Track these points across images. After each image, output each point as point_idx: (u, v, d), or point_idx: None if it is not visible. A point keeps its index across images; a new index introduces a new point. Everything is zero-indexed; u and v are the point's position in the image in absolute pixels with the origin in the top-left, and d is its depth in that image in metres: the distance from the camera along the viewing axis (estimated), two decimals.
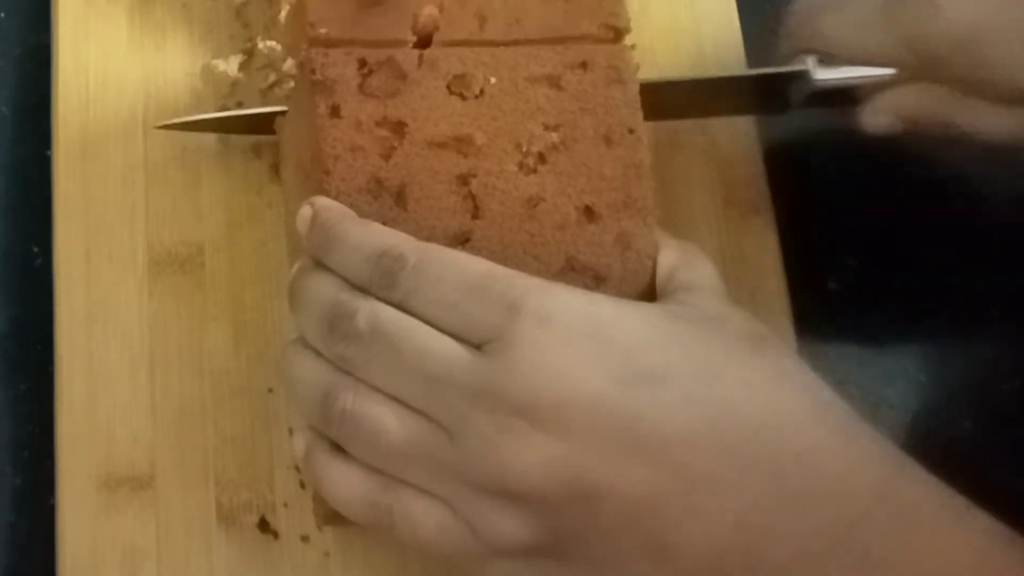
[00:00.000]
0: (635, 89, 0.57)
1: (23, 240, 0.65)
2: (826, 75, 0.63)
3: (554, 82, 0.57)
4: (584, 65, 0.57)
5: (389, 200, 0.53)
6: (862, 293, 0.69)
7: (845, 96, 0.63)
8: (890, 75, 0.62)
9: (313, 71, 0.55)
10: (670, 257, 0.55)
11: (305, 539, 0.59)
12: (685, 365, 0.48)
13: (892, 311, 0.69)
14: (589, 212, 0.55)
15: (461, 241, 0.53)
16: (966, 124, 0.61)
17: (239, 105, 0.65)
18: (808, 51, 0.63)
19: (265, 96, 0.65)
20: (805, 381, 0.50)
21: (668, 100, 0.65)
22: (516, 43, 0.57)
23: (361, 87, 0.55)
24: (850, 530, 0.47)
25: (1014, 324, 0.68)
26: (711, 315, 0.51)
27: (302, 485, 0.60)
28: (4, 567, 0.60)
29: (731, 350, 0.49)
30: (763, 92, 0.66)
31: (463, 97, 0.56)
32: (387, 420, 0.49)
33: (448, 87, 0.56)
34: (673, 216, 0.65)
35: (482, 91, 0.56)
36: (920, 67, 0.60)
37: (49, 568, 0.58)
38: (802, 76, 0.63)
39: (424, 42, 0.57)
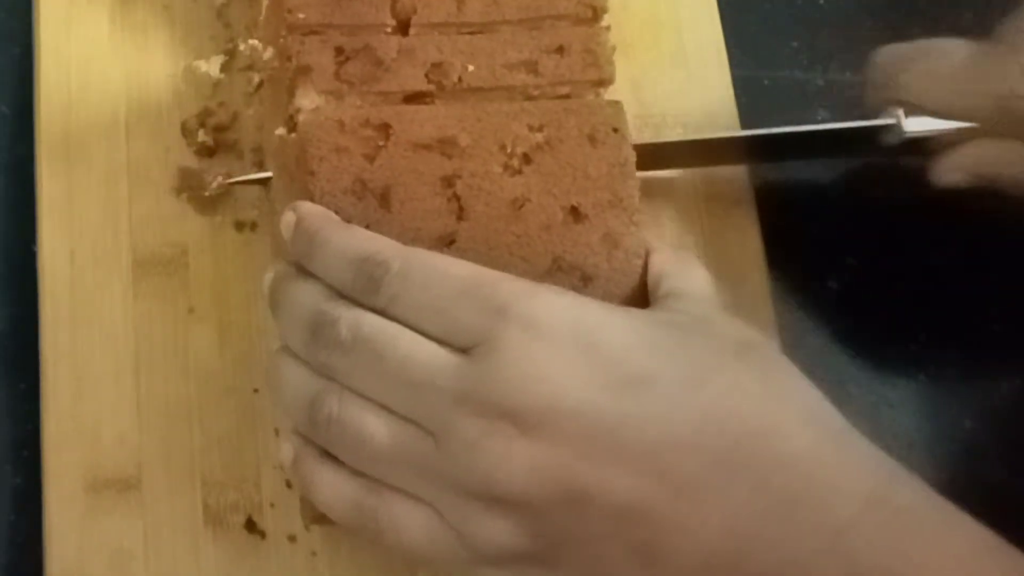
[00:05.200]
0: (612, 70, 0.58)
1: (22, 239, 0.65)
2: (916, 127, 0.63)
3: (531, 68, 0.57)
4: (560, 50, 0.58)
5: (374, 202, 0.53)
6: (862, 293, 0.69)
7: (934, 145, 0.64)
8: (973, 128, 0.62)
9: (290, 58, 0.55)
10: (661, 262, 0.55)
11: (292, 539, 0.59)
12: (671, 371, 0.48)
13: (892, 311, 0.69)
14: (575, 212, 0.55)
15: (446, 243, 0.53)
16: None
17: (221, 105, 0.65)
18: (894, 103, 0.63)
19: (249, 100, 0.65)
20: (794, 387, 0.50)
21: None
22: (493, 24, 0.58)
23: (337, 74, 0.56)
24: (837, 538, 0.46)
25: (1014, 324, 0.68)
26: (699, 321, 0.51)
27: (288, 485, 0.60)
28: (3, 566, 0.60)
29: (718, 356, 0.49)
30: (849, 142, 0.66)
31: (442, 86, 0.56)
32: (372, 426, 0.49)
33: (426, 76, 0.56)
34: (655, 212, 0.65)
35: (460, 79, 0.57)
36: (1008, 123, 0.61)
37: None
38: (891, 128, 0.63)
39: (403, 26, 0.57)
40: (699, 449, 0.47)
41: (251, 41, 0.64)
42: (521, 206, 0.54)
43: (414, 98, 0.57)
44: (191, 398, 0.61)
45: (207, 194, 0.64)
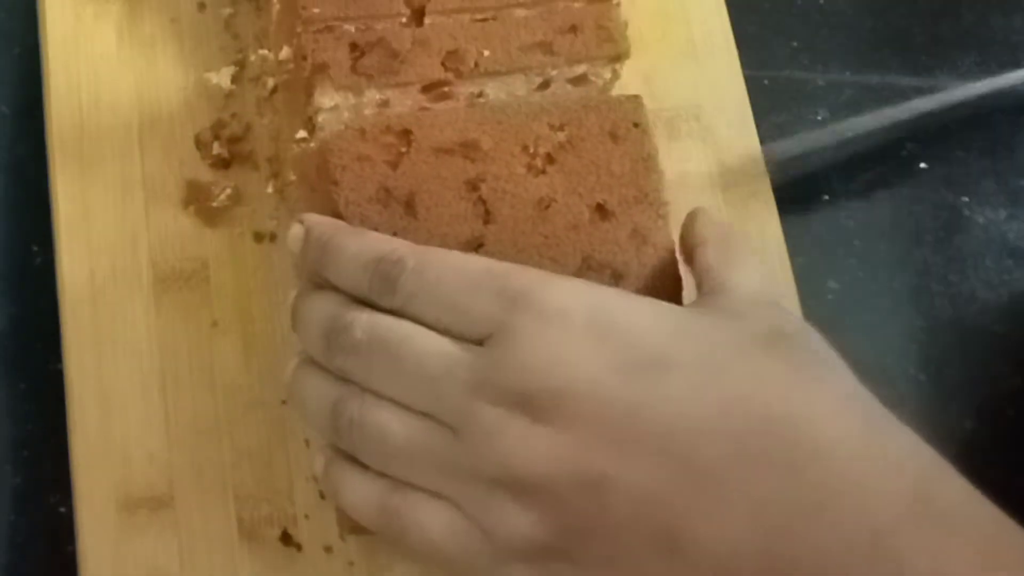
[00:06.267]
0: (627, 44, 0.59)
1: (23, 239, 0.65)
2: None
3: (546, 48, 0.58)
4: (573, 29, 0.58)
5: (399, 209, 0.53)
6: (862, 293, 0.69)
7: None
8: None
9: (305, 57, 0.56)
10: (706, 257, 0.54)
11: (328, 550, 0.59)
12: (691, 355, 0.48)
13: (892, 311, 0.69)
14: (601, 209, 0.55)
15: (474, 247, 0.53)
16: None
17: (233, 117, 0.65)
18: None
19: (263, 109, 0.65)
20: (828, 375, 0.49)
21: None
22: (506, 7, 0.58)
23: (354, 68, 0.56)
24: (880, 539, 0.45)
25: (1014, 324, 0.68)
26: (731, 311, 0.51)
27: (322, 496, 0.59)
28: (4, 566, 0.60)
29: (744, 345, 0.49)
30: None
31: (459, 72, 0.56)
32: (391, 424, 0.50)
33: (443, 64, 0.57)
34: (674, 207, 0.65)
35: (476, 64, 0.57)
36: None
37: (49, 566, 0.59)
38: None
39: (418, 15, 0.57)
40: (720, 434, 0.46)
41: (261, 51, 0.64)
42: (547, 206, 0.54)
43: (432, 87, 0.57)
44: (219, 413, 0.61)
45: (214, 205, 0.64)
